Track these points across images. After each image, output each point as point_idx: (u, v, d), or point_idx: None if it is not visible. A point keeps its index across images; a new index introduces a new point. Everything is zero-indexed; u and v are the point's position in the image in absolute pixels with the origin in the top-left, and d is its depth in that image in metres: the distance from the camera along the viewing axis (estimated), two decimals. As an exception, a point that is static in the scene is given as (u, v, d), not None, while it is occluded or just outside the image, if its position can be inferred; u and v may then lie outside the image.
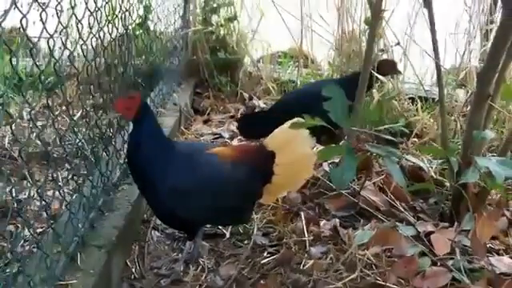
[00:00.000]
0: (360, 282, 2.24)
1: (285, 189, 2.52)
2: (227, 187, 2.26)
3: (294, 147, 2.30)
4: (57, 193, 2.00)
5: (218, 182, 2.25)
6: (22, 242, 2.31)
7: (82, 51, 2.10)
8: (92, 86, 2.37)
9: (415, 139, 3.43)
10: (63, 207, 2.12)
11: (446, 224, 2.58)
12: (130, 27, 2.87)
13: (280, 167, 2.28)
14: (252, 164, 2.29)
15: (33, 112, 2.29)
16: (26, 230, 2.30)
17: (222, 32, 4.53)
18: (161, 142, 2.26)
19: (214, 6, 4.50)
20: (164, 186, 2.18)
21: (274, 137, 2.33)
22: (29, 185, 2.73)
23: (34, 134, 2.90)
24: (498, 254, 2.44)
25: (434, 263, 2.32)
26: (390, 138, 2.87)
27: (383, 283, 2.21)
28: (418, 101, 3.72)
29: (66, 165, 2.65)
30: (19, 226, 2.41)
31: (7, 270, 2.07)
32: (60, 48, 1.93)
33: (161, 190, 2.19)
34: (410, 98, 3.80)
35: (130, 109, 2.19)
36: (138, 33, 3.37)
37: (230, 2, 4.50)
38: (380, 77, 3.22)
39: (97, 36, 2.29)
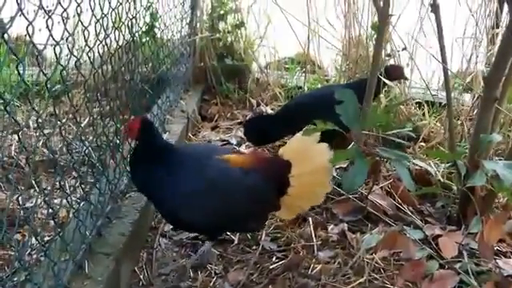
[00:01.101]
0: (368, 285, 2.25)
1: (303, 202, 2.40)
2: (236, 195, 2.25)
3: (311, 158, 2.28)
4: (64, 201, 2.01)
5: (226, 189, 2.25)
6: (30, 250, 2.32)
7: (89, 58, 2.11)
8: (99, 94, 2.38)
9: (422, 143, 3.42)
10: (70, 215, 2.13)
11: (454, 227, 2.58)
12: (136, 34, 2.87)
13: (296, 178, 2.26)
14: (265, 172, 2.27)
15: (39, 120, 2.31)
16: (34, 238, 2.31)
17: (229, 39, 4.54)
18: (162, 155, 2.29)
19: (221, 12, 4.51)
20: (170, 200, 2.25)
21: (291, 146, 2.33)
22: (36, 193, 2.74)
23: (41, 142, 2.94)
24: (506, 257, 2.44)
25: (441, 266, 2.31)
26: (399, 140, 2.88)
27: (391, 287, 2.22)
28: (425, 105, 3.71)
29: (73, 173, 2.67)
30: (26, 234, 2.41)
31: (15, 279, 2.08)
32: (67, 55, 1.95)
33: (167, 202, 2.27)
34: (416, 103, 3.79)
35: (134, 129, 2.30)
36: (144, 40, 3.38)
37: (237, 8, 4.51)
38: (387, 82, 3.23)
39: (103, 43, 2.29)
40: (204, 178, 2.24)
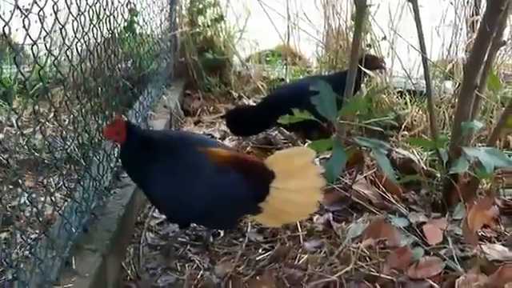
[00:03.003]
0: (355, 274, 2.26)
1: (285, 216, 2.36)
2: (202, 190, 2.25)
3: (301, 177, 2.23)
4: (48, 199, 2.00)
5: (194, 182, 2.25)
6: (17, 248, 2.31)
7: (67, 56, 2.09)
8: (79, 91, 2.38)
9: (405, 132, 3.44)
10: (56, 213, 2.13)
11: (438, 214, 2.60)
12: (115, 31, 2.86)
13: (279, 191, 2.22)
14: (242, 174, 2.24)
15: (21, 119, 2.28)
16: (20, 236, 2.31)
17: (209, 33, 4.54)
18: (143, 153, 2.31)
19: (200, 6, 4.50)
20: (154, 194, 2.37)
21: (281, 158, 2.28)
22: (20, 191, 2.73)
23: (24, 142, 2.93)
24: (490, 242, 2.45)
25: (426, 253, 2.33)
26: (379, 129, 2.90)
27: (377, 274, 2.23)
28: (407, 94, 3.73)
29: (57, 171, 2.66)
30: (12, 233, 2.40)
31: (3, 278, 2.08)
32: (45, 54, 1.94)
33: (147, 189, 2.39)
34: (398, 92, 3.81)
35: (120, 132, 2.32)
36: (124, 36, 3.37)
37: (215, 2, 4.51)
38: (368, 71, 3.25)
39: (82, 41, 2.28)
40: (176, 167, 2.28)
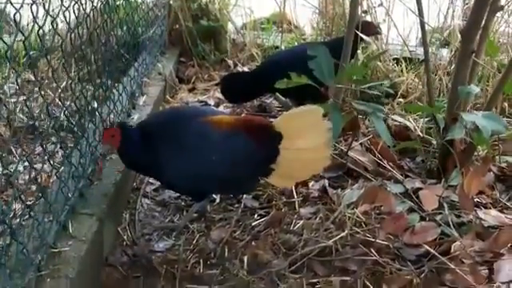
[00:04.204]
0: (350, 239, 2.27)
1: (295, 175, 2.35)
2: (214, 157, 2.21)
3: (308, 134, 2.21)
4: (46, 166, 2.00)
5: (203, 152, 2.22)
6: (13, 214, 2.31)
7: (65, 18, 2.07)
8: (75, 57, 2.36)
9: (401, 99, 3.43)
10: (52, 178, 2.12)
11: (434, 181, 2.61)
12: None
13: (288, 151, 2.20)
14: (250, 136, 2.21)
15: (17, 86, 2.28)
16: (18, 203, 2.31)
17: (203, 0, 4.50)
18: (143, 143, 2.29)
19: (195, -28, 4.46)
20: (159, 171, 2.32)
21: (288, 118, 2.25)
22: (16, 159, 2.72)
23: (18, 109, 2.92)
24: (486, 208, 2.47)
25: (422, 219, 2.34)
26: (375, 93, 2.89)
27: (373, 240, 2.24)
28: (403, 61, 3.72)
29: (53, 138, 2.66)
30: (9, 199, 2.40)
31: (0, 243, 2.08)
32: (43, 16, 1.92)
33: (157, 173, 2.37)
34: (394, 59, 3.80)
35: (115, 136, 2.29)
36: (119, 2, 3.33)
37: (210, -32, 4.47)
38: (364, 37, 3.23)
39: (78, 3, 2.26)
40: (181, 141, 2.24)
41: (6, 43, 1.64)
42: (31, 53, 2.00)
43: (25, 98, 3.04)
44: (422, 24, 2.58)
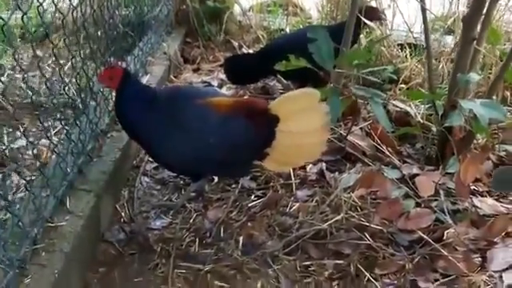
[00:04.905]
0: (345, 223, 2.29)
1: (290, 160, 2.31)
2: (211, 140, 2.18)
3: (304, 118, 2.18)
4: (46, 140, 2.02)
5: (200, 133, 2.19)
6: (14, 189, 2.33)
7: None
8: (78, 35, 2.38)
9: (403, 85, 3.43)
10: (52, 154, 2.14)
11: (432, 167, 2.61)
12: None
13: (284, 134, 2.17)
14: (248, 120, 2.18)
15: (24, 63, 2.30)
16: (17, 177, 2.33)
17: (210, -20, 4.50)
18: (145, 104, 2.25)
19: (203, -48, 4.45)
20: (155, 148, 2.27)
21: (284, 101, 2.21)
22: (19, 134, 2.75)
23: (24, 85, 2.94)
24: (482, 196, 2.47)
25: (418, 205, 2.35)
26: (375, 80, 2.89)
27: (367, 224, 2.26)
28: (407, 47, 3.71)
29: (55, 114, 2.68)
30: (10, 173, 2.42)
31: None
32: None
33: (151, 149, 2.32)
34: (398, 45, 3.79)
35: (113, 78, 2.26)
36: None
37: None
38: (368, 22, 3.23)
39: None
40: (178, 121, 2.21)
41: (2, 19, 1.65)
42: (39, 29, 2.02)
43: (31, 74, 3.07)
44: (424, 10, 2.58)
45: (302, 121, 2.17)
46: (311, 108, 2.16)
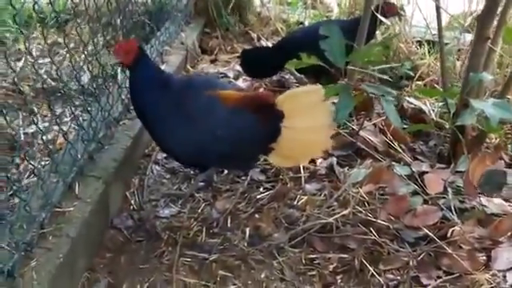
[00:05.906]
0: (351, 218, 2.30)
1: (294, 155, 2.29)
2: (218, 132, 2.19)
3: (310, 115, 2.19)
4: (58, 127, 2.04)
5: (207, 125, 2.20)
6: (28, 174, 2.36)
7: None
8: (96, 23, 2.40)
9: (419, 82, 3.42)
10: (61, 138, 2.17)
11: (443, 165, 2.60)
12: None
13: (289, 130, 2.17)
14: (256, 114, 2.18)
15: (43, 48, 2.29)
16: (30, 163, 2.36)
17: (231, -30, 4.50)
18: (158, 87, 2.25)
19: None
20: (161, 133, 2.28)
21: (289, 98, 2.21)
22: (35, 119, 2.78)
23: (43, 70, 2.97)
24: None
25: (425, 202, 2.35)
26: (387, 78, 2.87)
27: (374, 220, 2.27)
28: (426, 44, 3.70)
29: (70, 101, 2.70)
30: (25, 158, 2.45)
31: (11, 200, 2.13)
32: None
33: (159, 135, 2.32)
34: (417, 42, 3.78)
35: (128, 53, 2.22)
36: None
37: None
38: (383, 19, 3.21)
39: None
40: (187, 112, 2.21)
41: (14, 7, 1.67)
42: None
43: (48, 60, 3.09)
44: (438, 9, 2.57)
45: (306, 117, 2.19)
46: (316, 105, 2.16)
